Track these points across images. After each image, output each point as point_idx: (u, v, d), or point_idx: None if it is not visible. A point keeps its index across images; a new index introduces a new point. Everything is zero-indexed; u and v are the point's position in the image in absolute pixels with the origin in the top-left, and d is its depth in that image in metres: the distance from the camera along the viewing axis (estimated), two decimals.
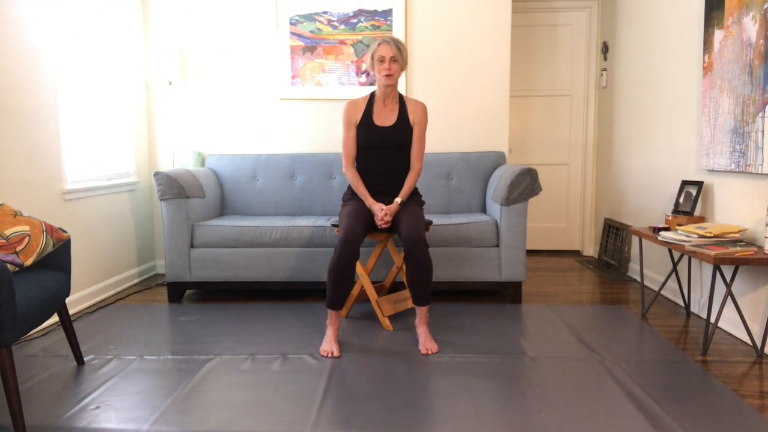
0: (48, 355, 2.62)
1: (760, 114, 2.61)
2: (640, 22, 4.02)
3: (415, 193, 2.96)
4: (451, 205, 3.89)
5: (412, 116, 2.86)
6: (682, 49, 3.39)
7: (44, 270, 2.27)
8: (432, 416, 2.00)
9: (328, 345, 2.61)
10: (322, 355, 2.57)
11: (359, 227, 2.65)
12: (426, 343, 2.64)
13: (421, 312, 2.73)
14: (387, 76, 2.72)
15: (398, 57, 2.71)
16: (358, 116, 2.86)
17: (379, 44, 2.73)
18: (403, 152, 2.87)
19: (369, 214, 2.81)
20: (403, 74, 4.07)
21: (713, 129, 3.00)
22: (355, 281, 2.68)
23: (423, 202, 2.97)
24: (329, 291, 2.63)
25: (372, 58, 2.76)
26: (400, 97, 2.89)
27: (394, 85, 2.81)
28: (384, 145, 2.83)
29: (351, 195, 2.95)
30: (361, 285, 3.09)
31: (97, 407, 2.09)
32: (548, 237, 5.15)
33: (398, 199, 2.80)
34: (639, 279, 4.06)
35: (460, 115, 4.13)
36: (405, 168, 2.90)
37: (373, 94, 2.89)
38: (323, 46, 4.09)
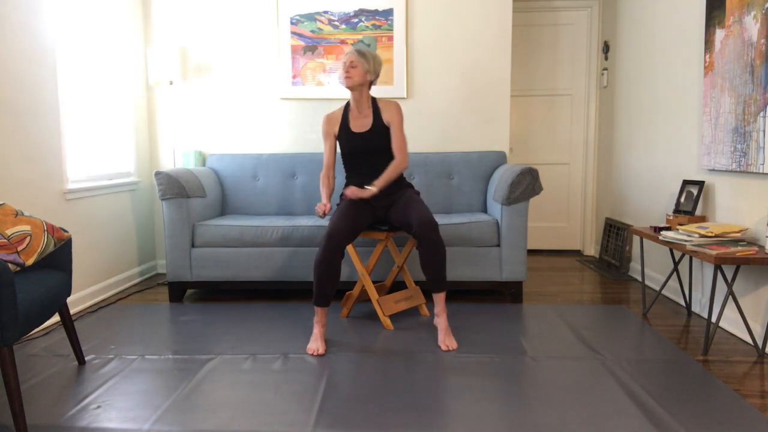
0: (49, 354, 2.63)
1: (761, 113, 2.61)
2: (641, 22, 4.02)
3: (408, 186, 2.99)
4: (452, 204, 3.89)
5: (386, 117, 2.92)
6: (683, 49, 3.39)
7: (45, 270, 2.28)
8: (432, 416, 2.00)
9: (314, 343, 2.65)
10: (309, 353, 2.60)
11: (346, 224, 2.70)
12: (446, 339, 2.67)
13: (440, 299, 2.76)
14: (346, 78, 2.82)
15: (358, 63, 2.81)
16: (336, 128, 2.98)
17: (345, 55, 2.86)
18: (383, 154, 2.93)
19: (361, 213, 2.84)
20: (404, 74, 4.07)
21: (714, 128, 3.00)
22: (341, 279, 2.71)
23: (418, 192, 3.00)
24: (315, 287, 2.69)
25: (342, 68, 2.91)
26: (374, 101, 2.95)
27: (355, 88, 2.86)
28: (364, 150, 2.92)
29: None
30: (361, 284, 3.09)
31: (98, 407, 2.09)
32: (549, 236, 5.14)
33: (373, 188, 2.80)
34: (640, 278, 4.05)
35: (460, 114, 4.13)
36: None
37: (348, 104, 2.99)
38: (324, 45, 4.09)
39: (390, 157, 2.94)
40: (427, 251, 2.67)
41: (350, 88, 2.85)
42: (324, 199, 2.95)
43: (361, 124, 2.93)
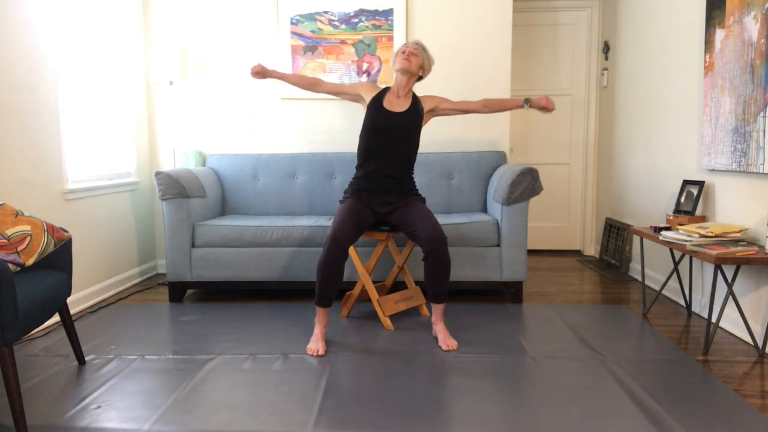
0: (49, 354, 2.63)
1: (761, 114, 2.61)
2: (641, 22, 4.02)
3: (415, 194, 2.96)
4: (452, 204, 3.89)
5: (427, 106, 2.96)
6: (684, 49, 3.39)
7: (45, 270, 2.28)
8: (432, 416, 2.00)
9: (315, 343, 2.65)
10: (309, 354, 2.59)
11: (350, 226, 2.70)
12: (446, 340, 2.68)
13: (438, 309, 2.79)
14: (404, 59, 2.85)
15: (419, 54, 2.87)
16: (369, 96, 2.96)
17: (405, 44, 2.92)
18: (408, 143, 2.87)
19: (364, 215, 2.82)
20: None
21: (714, 128, 3.00)
22: (343, 280, 2.71)
23: (424, 200, 2.98)
24: (317, 288, 2.68)
25: (396, 54, 2.92)
26: (414, 94, 2.97)
27: (407, 74, 2.88)
28: (390, 130, 2.84)
29: (349, 193, 2.95)
30: (362, 284, 3.09)
31: (98, 407, 2.09)
32: (549, 237, 5.14)
33: (527, 99, 3.00)
34: (640, 279, 4.05)
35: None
36: (408, 164, 2.90)
37: (387, 88, 2.98)
38: (324, 45, 4.09)
39: (411, 150, 2.89)
40: (435, 268, 2.69)
41: (403, 70, 2.86)
42: (273, 70, 3.00)
43: (396, 105, 2.91)
